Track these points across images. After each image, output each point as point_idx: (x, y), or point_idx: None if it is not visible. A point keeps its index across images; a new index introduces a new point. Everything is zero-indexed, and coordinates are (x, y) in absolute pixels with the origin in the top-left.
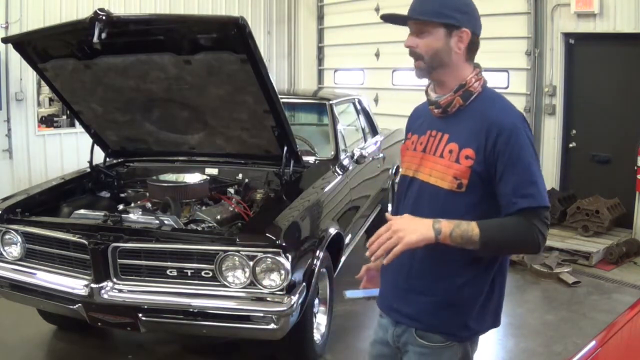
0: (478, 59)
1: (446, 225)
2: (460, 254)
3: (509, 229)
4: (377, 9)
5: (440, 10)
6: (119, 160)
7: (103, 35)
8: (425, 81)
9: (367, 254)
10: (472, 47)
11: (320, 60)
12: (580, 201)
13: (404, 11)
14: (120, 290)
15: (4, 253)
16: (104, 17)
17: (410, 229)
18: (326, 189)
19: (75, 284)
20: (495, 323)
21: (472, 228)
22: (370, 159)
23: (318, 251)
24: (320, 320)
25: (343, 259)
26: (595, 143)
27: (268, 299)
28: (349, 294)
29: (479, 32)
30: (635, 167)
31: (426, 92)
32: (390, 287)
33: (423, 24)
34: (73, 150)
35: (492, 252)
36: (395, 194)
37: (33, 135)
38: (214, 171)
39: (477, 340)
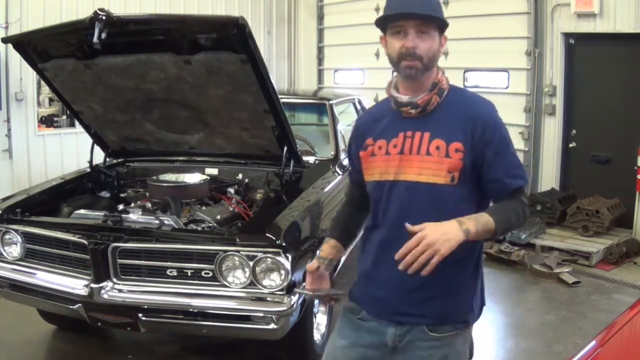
0: (478, 59)
1: (471, 224)
2: None
3: (513, 211)
4: (377, 9)
5: (438, 10)
6: (119, 160)
7: (103, 35)
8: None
9: (401, 267)
10: None
11: (320, 60)
12: (580, 201)
13: None
14: (120, 290)
15: (4, 253)
16: (104, 17)
17: (443, 239)
18: (326, 189)
19: (75, 284)
20: (484, 301)
21: (486, 219)
22: None
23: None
24: (320, 320)
25: (343, 258)
26: (595, 143)
27: (268, 299)
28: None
29: None
30: (635, 167)
31: (390, 94)
32: (387, 291)
33: (424, 25)
34: (73, 150)
35: (504, 234)
36: (371, 202)
37: (33, 135)
38: (214, 171)
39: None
